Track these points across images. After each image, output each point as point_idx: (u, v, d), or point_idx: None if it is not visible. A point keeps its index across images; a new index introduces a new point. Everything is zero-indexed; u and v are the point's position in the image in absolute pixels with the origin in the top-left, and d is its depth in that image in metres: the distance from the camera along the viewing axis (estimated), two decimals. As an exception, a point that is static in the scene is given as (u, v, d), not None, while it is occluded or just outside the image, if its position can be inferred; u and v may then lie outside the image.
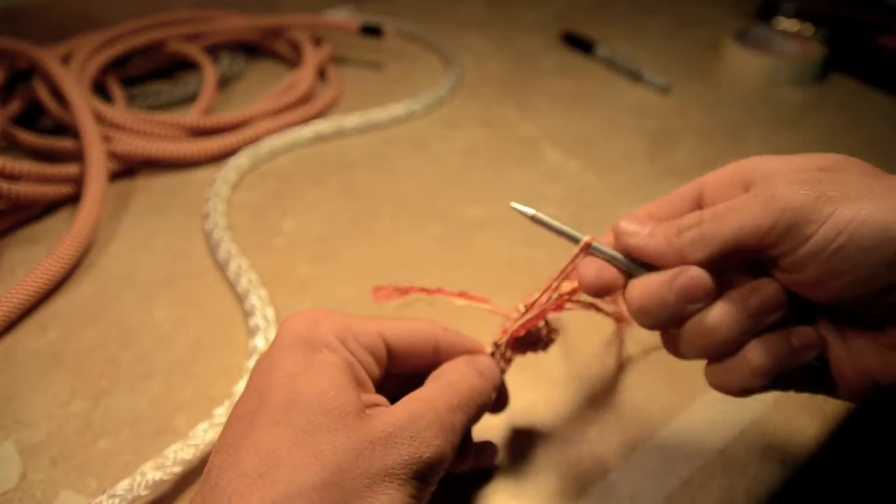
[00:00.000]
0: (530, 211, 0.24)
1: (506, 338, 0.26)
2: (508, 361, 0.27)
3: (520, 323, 0.26)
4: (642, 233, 0.23)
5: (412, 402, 0.22)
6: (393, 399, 0.22)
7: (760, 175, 0.22)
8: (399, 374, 0.25)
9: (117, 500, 0.25)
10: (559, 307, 0.28)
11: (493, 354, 0.27)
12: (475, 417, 0.24)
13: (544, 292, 0.27)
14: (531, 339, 0.27)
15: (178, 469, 0.27)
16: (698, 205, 0.24)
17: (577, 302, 0.27)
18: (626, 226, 0.23)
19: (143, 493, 0.26)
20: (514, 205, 0.24)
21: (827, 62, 0.64)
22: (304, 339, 0.22)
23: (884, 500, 0.21)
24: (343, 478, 0.19)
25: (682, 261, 0.22)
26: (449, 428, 0.21)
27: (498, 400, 0.27)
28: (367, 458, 0.19)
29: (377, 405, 0.22)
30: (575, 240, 0.24)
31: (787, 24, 0.72)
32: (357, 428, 0.20)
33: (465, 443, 0.26)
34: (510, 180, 0.48)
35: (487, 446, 0.28)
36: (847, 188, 0.20)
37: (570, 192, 0.47)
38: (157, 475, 0.26)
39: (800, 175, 0.21)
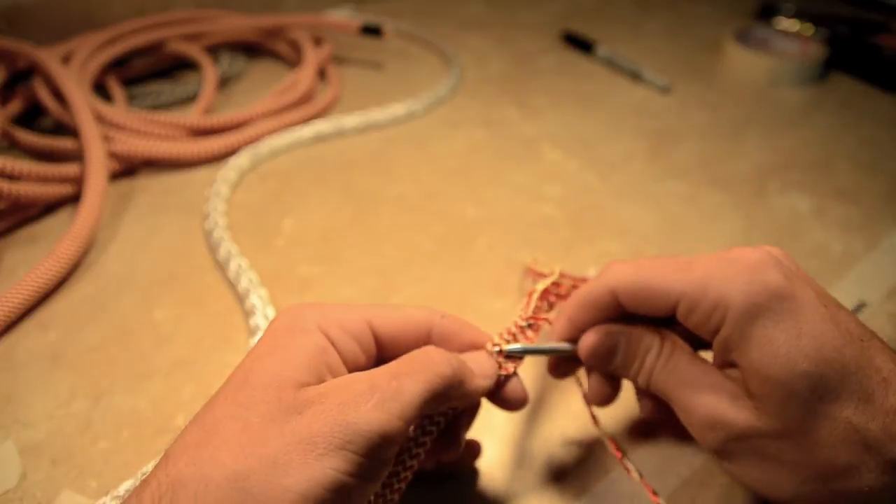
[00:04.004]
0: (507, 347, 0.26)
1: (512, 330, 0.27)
2: (512, 359, 0.26)
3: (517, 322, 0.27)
4: (611, 366, 0.27)
5: (354, 373, 0.21)
6: None
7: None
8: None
9: (119, 501, 0.25)
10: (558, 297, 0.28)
11: (498, 351, 0.26)
12: (439, 391, 0.21)
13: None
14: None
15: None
16: (670, 308, 0.24)
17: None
18: (601, 356, 0.26)
19: None
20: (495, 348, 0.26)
21: (827, 62, 0.64)
22: (285, 326, 0.22)
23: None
24: (266, 446, 0.18)
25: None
26: (389, 394, 0.19)
27: (511, 397, 0.25)
28: (293, 425, 0.19)
29: None
30: (562, 351, 0.27)
31: (787, 24, 0.72)
32: (290, 400, 0.19)
33: (453, 431, 0.25)
34: (510, 180, 0.48)
35: (471, 444, 0.28)
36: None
37: (570, 192, 0.47)
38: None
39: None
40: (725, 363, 0.23)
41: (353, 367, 0.23)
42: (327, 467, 0.18)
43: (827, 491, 0.21)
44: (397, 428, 0.19)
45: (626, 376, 0.26)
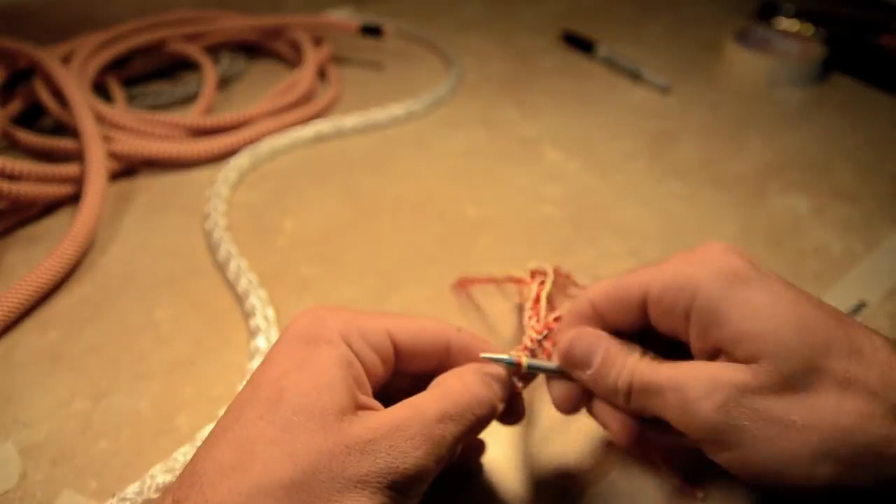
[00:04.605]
0: (506, 358, 0.25)
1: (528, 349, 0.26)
2: (526, 378, 0.26)
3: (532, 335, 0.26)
4: (590, 370, 0.25)
5: (401, 408, 0.21)
6: (403, 398, 0.22)
7: (722, 334, 0.22)
8: (409, 373, 0.24)
9: (128, 503, 0.25)
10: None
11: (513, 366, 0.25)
12: (472, 429, 0.22)
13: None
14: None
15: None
16: (642, 305, 0.24)
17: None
18: (580, 356, 0.25)
19: (154, 496, 0.26)
20: (485, 356, 0.25)
21: (827, 62, 0.64)
22: (306, 335, 0.22)
23: (883, 499, 0.21)
24: (314, 479, 0.18)
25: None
26: (435, 440, 0.20)
27: (512, 412, 0.26)
28: (341, 462, 0.19)
29: (370, 408, 0.21)
30: (550, 370, 0.26)
31: (787, 24, 0.72)
32: (335, 430, 0.19)
33: None
34: (510, 180, 0.48)
35: (475, 444, 0.28)
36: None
37: (570, 192, 0.47)
38: (167, 478, 0.26)
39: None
40: (706, 351, 0.23)
41: (372, 378, 0.22)
42: (376, 503, 0.19)
43: (843, 453, 0.20)
44: (435, 471, 0.21)
45: (605, 382, 0.24)
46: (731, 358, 0.22)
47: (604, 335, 0.25)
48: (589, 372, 0.25)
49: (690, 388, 0.22)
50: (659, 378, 0.23)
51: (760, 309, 0.21)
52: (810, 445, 0.20)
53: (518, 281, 0.32)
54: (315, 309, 0.23)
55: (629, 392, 0.24)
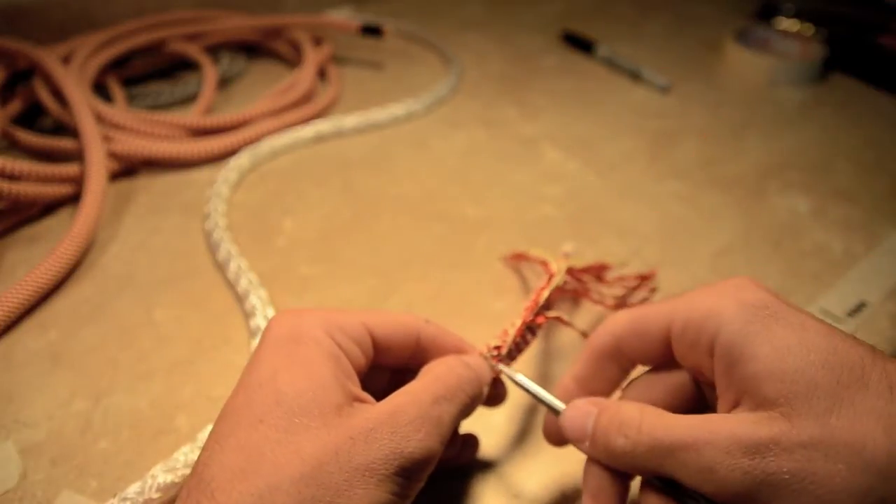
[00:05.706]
0: (518, 377, 0.25)
1: (509, 341, 0.27)
2: (504, 362, 0.27)
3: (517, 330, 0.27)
4: (587, 441, 0.22)
5: (396, 396, 0.22)
6: (381, 396, 0.22)
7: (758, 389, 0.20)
8: (384, 366, 0.25)
9: (129, 503, 0.25)
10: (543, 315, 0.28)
11: (496, 355, 0.26)
12: (466, 409, 0.23)
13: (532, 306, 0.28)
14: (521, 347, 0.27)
15: (188, 472, 0.27)
16: (665, 340, 0.23)
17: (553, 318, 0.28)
18: (574, 430, 0.23)
19: (155, 496, 0.26)
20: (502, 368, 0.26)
21: (827, 62, 0.64)
22: (289, 334, 0.22)
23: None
24: (322, 472, 0.19)
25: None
26: (434, 421, 0.21)
27: (495, 395, 0.27)
28: (347, 452, 0.19)
29: (362, 400, 0.22)
30: (553, 409, 0.24)
31: (787, 24, 0.72)
32: (337, 424, 0.20)
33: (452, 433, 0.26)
34: (510, 180, 0.48)
35: (469, 439, 0.28)
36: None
37: (570, 192, 0.47)
38: (169, 478, 0.26)
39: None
40: (731, 390, 0.21)
41: (356, 369, 0.23)
42: (384, 491, 0.19)
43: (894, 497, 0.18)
44: (439, 451, 0.21)
45: (603, 449, 0.22)
46: (757, 398, 0.20)
47: (601, 401, 0.23)
48: (586, 443, 0.22)
49: (711, 449, 0.19)
50: (672, 437, 0.20)
51: (790, 345, 0.19)
52: (858, 491, 0.18)
53: (544, 265, 0.32)
54: (289, 311, 0.23)
55: (634, 448, 0.21)
